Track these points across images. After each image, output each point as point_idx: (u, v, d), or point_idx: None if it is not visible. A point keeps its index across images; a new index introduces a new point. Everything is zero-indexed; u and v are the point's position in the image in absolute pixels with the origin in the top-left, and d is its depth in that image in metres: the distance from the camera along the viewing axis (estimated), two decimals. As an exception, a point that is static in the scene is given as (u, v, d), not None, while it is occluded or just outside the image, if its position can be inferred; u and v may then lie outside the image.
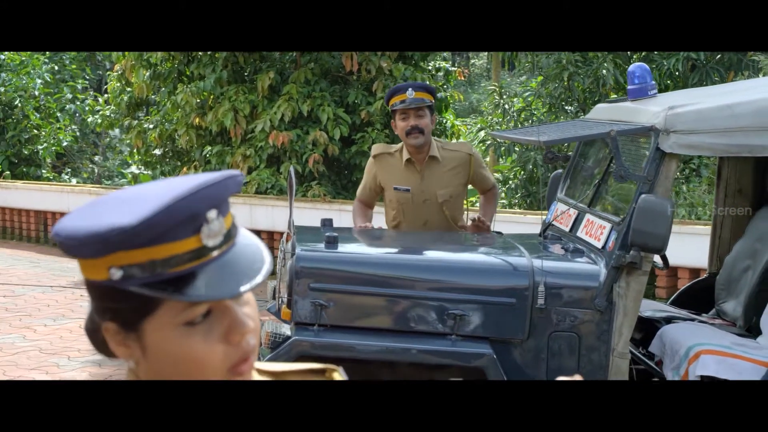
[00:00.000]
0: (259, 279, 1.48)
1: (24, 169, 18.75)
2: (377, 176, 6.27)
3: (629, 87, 5.52)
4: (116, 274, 1.42)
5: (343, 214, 11.46)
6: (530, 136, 5.15)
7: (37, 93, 19.11)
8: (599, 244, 5.05)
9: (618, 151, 4.82)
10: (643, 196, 4.68)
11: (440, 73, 14.91)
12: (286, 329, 5.12)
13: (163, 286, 1.43)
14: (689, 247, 8.49)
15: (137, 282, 1.42)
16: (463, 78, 16.37)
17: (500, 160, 15.16)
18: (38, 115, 19.13)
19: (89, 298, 1.54)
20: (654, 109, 4.94)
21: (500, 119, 14.77)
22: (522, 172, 13.84)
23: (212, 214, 1.46)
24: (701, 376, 4.95)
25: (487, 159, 15.73)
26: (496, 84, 15.99)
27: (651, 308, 5.96)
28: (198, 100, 13.89)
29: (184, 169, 14.61)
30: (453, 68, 15.75)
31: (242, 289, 1.46)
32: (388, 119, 13.63)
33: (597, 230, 5.16)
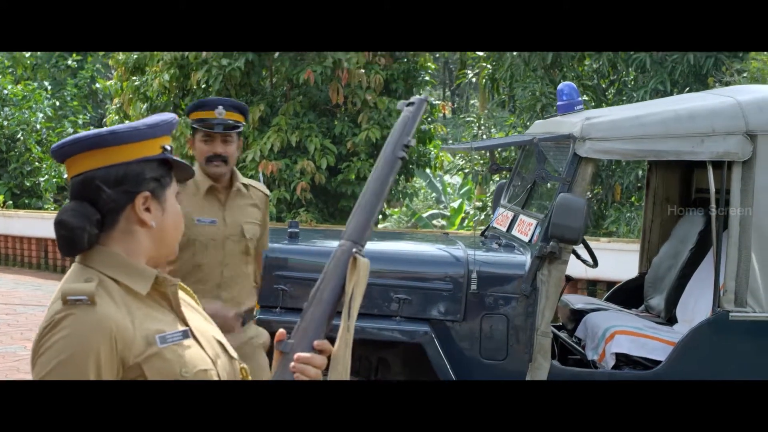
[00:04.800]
0: None
1: (26, 201, 19.17)
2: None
3: (558, 103, 6.18)
4: (168, 147, 2.24)
5: (328, 238, 12.00)
6: (465, 146, 5.83)
7: (39, 127, 19.62)
8: (527, 239, 5.69)
9: (540, 156, 5.48)
10: (561, 194, 5.32)
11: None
12: (252, 310, 5.77)
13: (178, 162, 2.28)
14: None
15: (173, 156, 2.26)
16: (446, 111, 16.97)
17: (484, 188, 15.71)
18: (40, 149, 19.60)
19: (114, 186, 2.17)
20: (574, 120, 5.61)
21: (479, 149, 15.36)
22: (499, 200, 14.42)
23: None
24: (616, 354, 5.61)
25: (473, 187, 16.27)
26: (474, 116, 16.65)
27: (583, 301, 6.61)
28: (192, 131, 14.46)
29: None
30: (437, 102, 16.38)
31: None
32: (373, 150, 14.27)
33: (527, 227, 5.80)
